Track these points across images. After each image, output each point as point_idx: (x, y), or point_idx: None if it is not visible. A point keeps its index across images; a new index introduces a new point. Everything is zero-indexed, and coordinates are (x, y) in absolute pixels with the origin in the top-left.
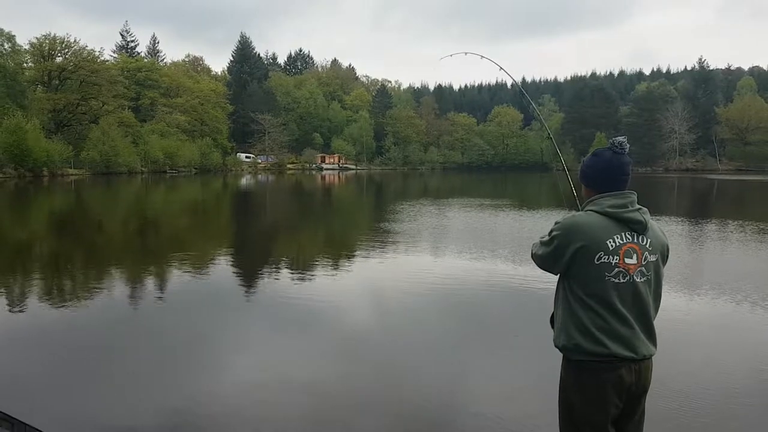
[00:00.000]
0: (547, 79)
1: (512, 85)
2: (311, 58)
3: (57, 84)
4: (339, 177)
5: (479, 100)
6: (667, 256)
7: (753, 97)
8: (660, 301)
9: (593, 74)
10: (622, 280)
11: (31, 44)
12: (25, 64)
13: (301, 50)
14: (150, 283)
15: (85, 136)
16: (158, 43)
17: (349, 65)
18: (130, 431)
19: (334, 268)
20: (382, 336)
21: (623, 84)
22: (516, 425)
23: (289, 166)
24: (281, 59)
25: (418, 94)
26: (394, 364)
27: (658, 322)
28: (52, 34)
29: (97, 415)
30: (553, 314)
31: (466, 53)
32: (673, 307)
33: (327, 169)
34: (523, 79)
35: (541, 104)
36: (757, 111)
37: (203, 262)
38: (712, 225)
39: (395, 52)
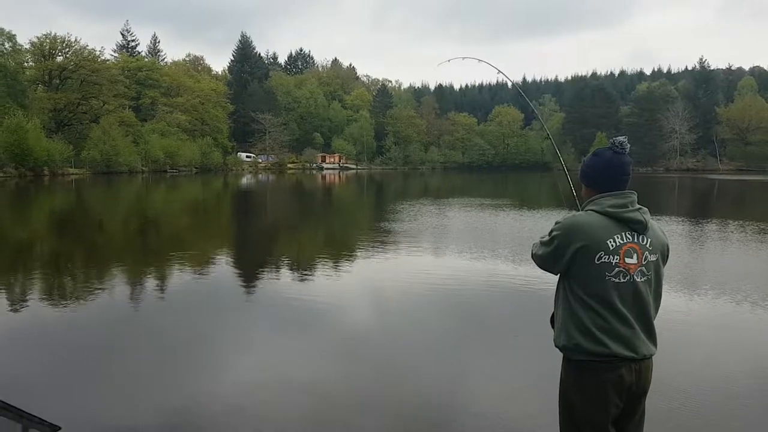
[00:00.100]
0: (547, 79)
1: (513, 86)
2: (312, 58)
3: (58, 83)
4: (339, 177)
5: (480, 100)
6: (668, 256)
7: (754, 97)
8: (660, 301)
9: (594, 74)
10: (622, 280)
11: (32, 44)
12: (25, 64)
13: (301, 50)
14: (150, 282)
15: (85, 136)
16: (159, 42)
17: (350, 65)
18: (130, 431)
19: (335, 268)
20: (382, 336)
21: (624, 84)
22: (516, 425)
23: (289, 165)
24: (282, 59)
25: (418, 93)
26: (394, 364)
27: (658, 322)
28: (52, 34)
29: (97, 415)
30: (553, 314)
31: (463, 58)
32: (674, 307)
33: (327, 168)
34: (524, 78)
35: (542, 104)
36: (757, 111)
37: (203, 261)
38: (712, 225)
39: (395, 52)
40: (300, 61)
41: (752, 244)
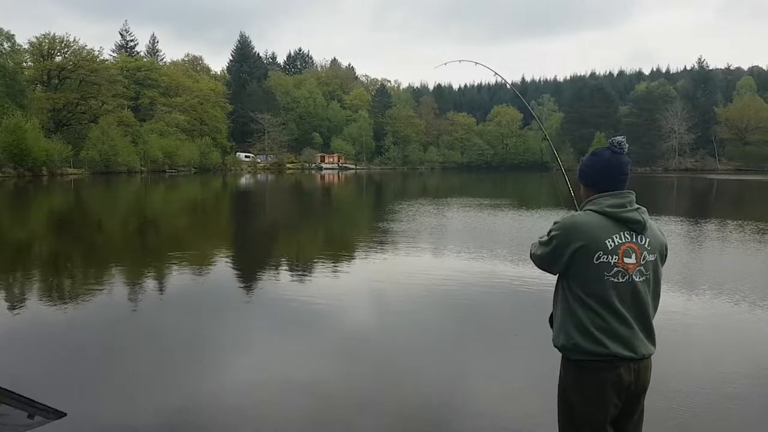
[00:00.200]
0: (546, 79)
1: (511, 86)
2: (311, 58)
3: (56, 83)
4: (338, 176)
5: (479, 100)
6: (666, 256)
7: (752, 97)
8: (659, 301)
9: (593, 74)
10: (621, 280)
11: (31, 44)
12: (24, 64)
13: (300, 50)
14: (150, 282)
15: (84, 136)
16: (158, 42)
17: (349, 65)
18: (130, 431)
19: (334, 268)
20: (382, 336)
21: (623, 84)
22: (516, 425)
23: (288, 165)
24: (281, 59)
25: (417, 93)
26: (394, 364)
27: (657, 322)
28: (51, 34)
29: (98, 415)
30: (552, 314)
31: (460, 61)
32: (672, 307)
33: (326, 168)
34: (523, 78)
35: (541, 104)
36: (756, 111)
37: (203, 261)
38: (711, 225)
39: (395, 52)
40: (299, 61)
41: (751, 245)
